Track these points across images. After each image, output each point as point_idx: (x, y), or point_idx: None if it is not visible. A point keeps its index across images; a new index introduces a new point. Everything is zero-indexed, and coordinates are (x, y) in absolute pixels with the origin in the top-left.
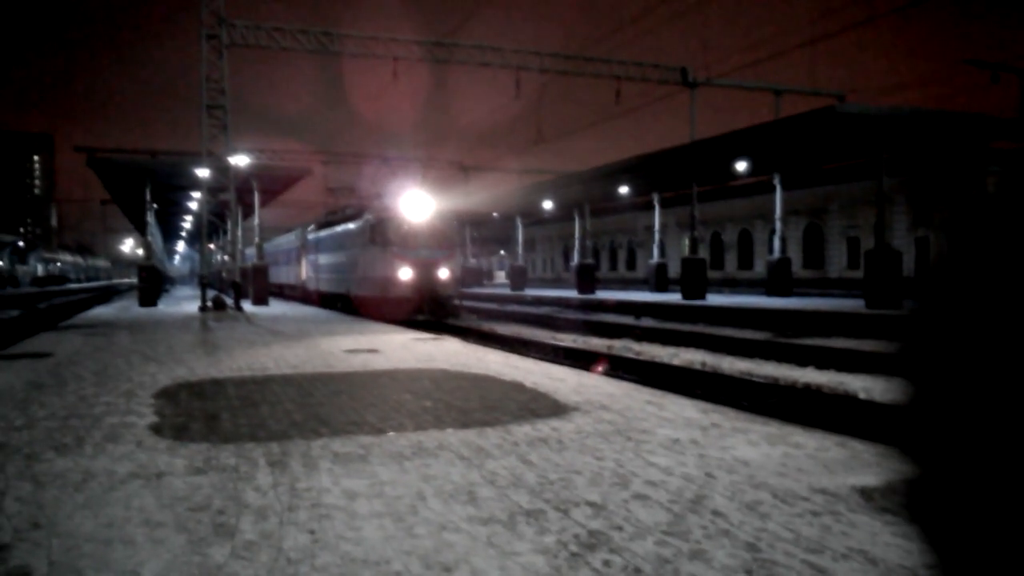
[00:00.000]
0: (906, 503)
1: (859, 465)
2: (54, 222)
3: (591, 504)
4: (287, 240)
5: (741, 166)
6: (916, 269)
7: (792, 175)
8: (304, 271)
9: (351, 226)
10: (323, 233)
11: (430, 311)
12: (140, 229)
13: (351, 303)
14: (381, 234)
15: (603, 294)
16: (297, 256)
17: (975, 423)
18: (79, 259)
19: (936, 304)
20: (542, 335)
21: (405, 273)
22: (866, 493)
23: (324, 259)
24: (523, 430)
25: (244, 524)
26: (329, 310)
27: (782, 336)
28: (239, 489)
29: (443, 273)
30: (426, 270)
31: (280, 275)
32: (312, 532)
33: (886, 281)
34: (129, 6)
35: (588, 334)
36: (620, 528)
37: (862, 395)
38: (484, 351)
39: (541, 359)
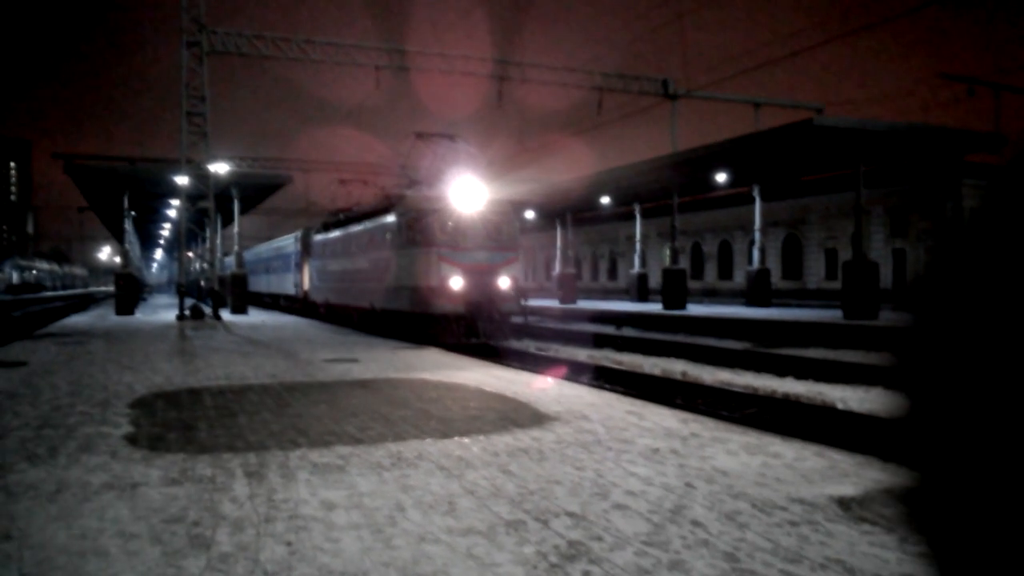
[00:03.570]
0: (911, 513)
1: (837, 475)
2: (30, 229)
3: (571, 514)
4: (283, 245)
5: (721, 177)
6: (893, 280)
7: (771, 187)
8: (306, 280)
9: (377, 223)
10: (334, 234)
11: (486, 332)
12: (117, 237)
13: (374, 318)
14: (423, 232)
15: (584, 304)
16: (297, 262)
17: (975, 429)
18: (55, 267)
19: (928, 314)
20: (524, 345)
21: (456, 282)
22: (844, 503)
23: (336, 265)
24: (504, 440)
25: (220, 536)
26: (335, 325)
27: (761, 346)
28: (215, 500)
29: (503, 282)
30: (482, 278)
31: (272, 284)
32: (289, 544)
33: (863, 292)
34: (109, 12)
35: (569, 343)
36: (600, 539)
37: (840, 405)
38: (464, 360)
39: (523, 369)
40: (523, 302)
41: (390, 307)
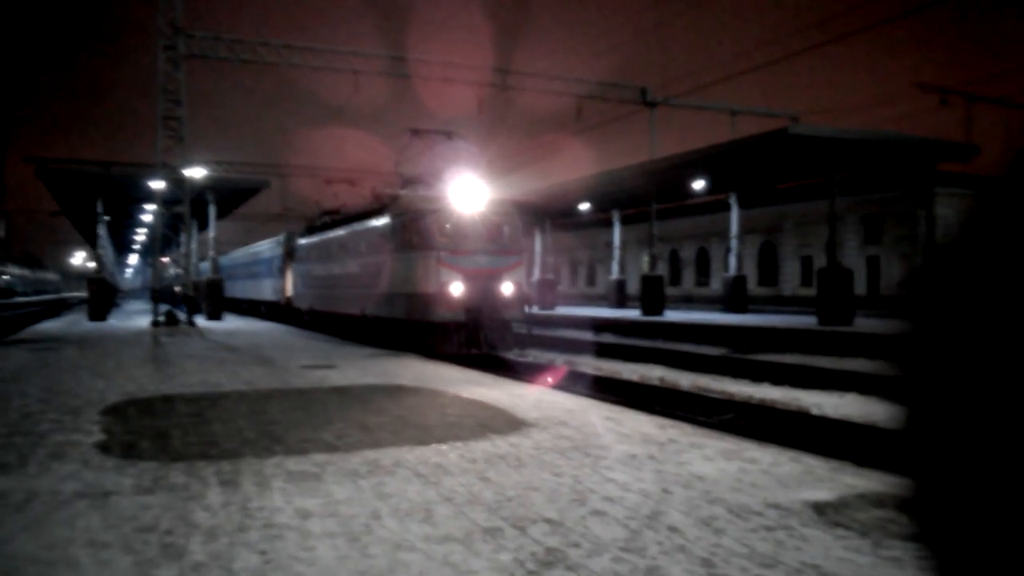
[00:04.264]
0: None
1: (812, 480)
2: (2, 233)
3: (548, 521)
4: (265, 249)
5: (698, 185)
6: (867, 287)
7: (748, 194)
8: (289, 285)
9: (369, 225)
10: (321, 237)
11: (488, 342)
12: (91, 241)
13: (365, 326)
14: (421, 234)
15: (563, 310)
16: (280, 267)
17: (953, 434)
18: (27, 272)
19: (925, 319)
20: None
21: (456, 288)
22: (819, 508)
23: (322, 270)
24: (481, 446)
25: (193, 545)
26: (318, 332)
27: (738, 352)
28: (189, 509)
29: (507, 288)
30: (485, 284)
31: (253, 290)
32: (263, 553)
33: (838, 299)
34: (84, 14)
35: (548, 350)
36: (577, 545)
37: (815, 411)
38: (443, 367)
39: (501, 375)
40: (528, 309)
41: (383, 314)
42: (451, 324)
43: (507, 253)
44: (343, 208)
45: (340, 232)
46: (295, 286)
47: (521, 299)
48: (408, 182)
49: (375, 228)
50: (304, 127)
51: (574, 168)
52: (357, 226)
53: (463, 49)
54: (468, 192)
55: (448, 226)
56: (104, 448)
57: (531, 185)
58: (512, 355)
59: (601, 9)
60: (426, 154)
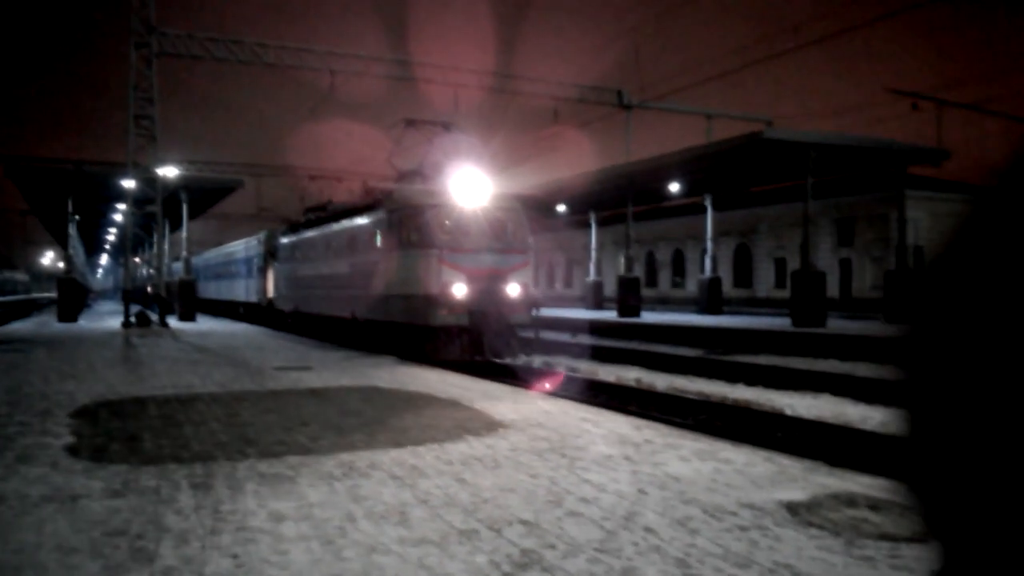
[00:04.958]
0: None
1: (785, 480)
2: None
3: (524, 523)
4: (243, 248)
5: (674, 187)
6: (840, 289)
7: (723, 197)
8: (271, 286)
9: (361, 221)
10: (306, 235)
11: (492, 348)
12: (61, 241)
13: (356, 330)
14: (420, 230)
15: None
16: (260, 267)
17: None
18: None
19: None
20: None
21: (459, 289)
22: (792, 508)
23: (308, 270)
24: (458, 448)
25: (164, 549)
26: (298, 335)
27: (713, 353)
28: (159, 512)
29: (513, 289)
30: (489, 284)
31: (230, 290)
32: (235, 556)
33: (811, 301)
34: (56, 11)
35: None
36: (553, 547)
37: (788, 411)
38: (419, 368)
39: (477, 376)
40: (536, 312)
41: (377, 317)
42: (453, 328)
43: (513, 252)
44: (330, 204)
45: (328, 229)
46: (277, 287)
47: (528, 301)
48: (403, 176)
49: (368, 224)
50: (281, 125)
51: (566, 166)
52: (348, 222)
53: (455, 51)
54: (470, 186)
55: (449, 222)
56: (73, 451)
57: (514, 184)
58: (517, 362)
59: (585, 14)
60: (423, 146)
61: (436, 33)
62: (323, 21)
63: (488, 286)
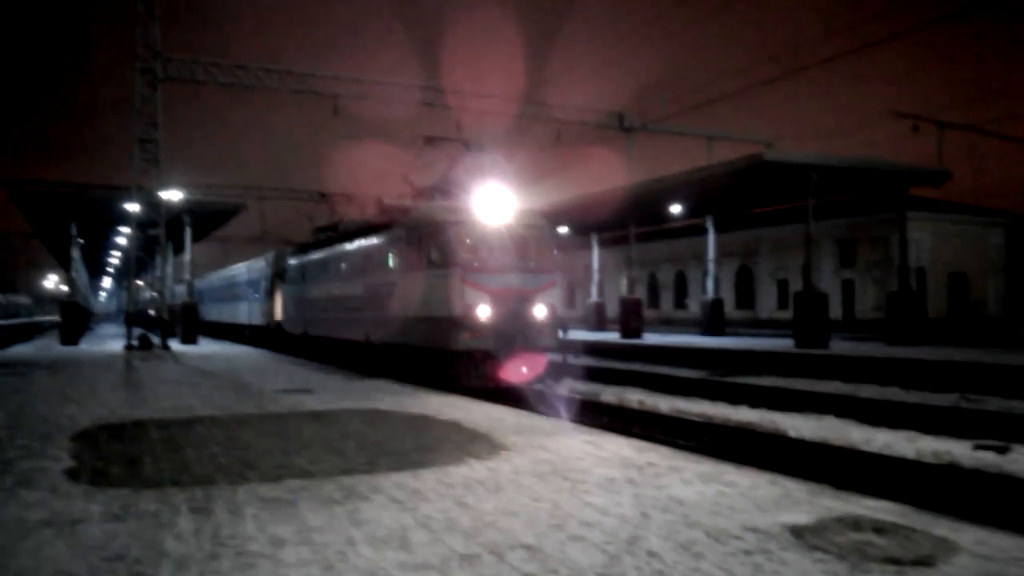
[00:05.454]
0: None
1: (790, 503)
2: None
3: (527, 547)
4: (249, 269)
5: (675, 209)
6: (843, 310)
7: (724, 218)
8: (278, 308)
9: (376, 240)
10: (316, 255)
11: (518, 373)
12: (64, 264)
13: (369, 353)
14: (441, 248)
15: None
16: (268, 289)
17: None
18: None
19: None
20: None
21: (484, 311)
22: (797, 531)
23: (318, 291)
24: (459, 471)
25: (163, 574)
26: (306, 359)
27: (716, 375)
28: (159, 537)
29: (539, 311)
30: (515, 306)
31: (235, 313)
32: None
33: (814, 322)
34: (60, 35)
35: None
36: (555, 571)
37: (792, 433)
38: (416, 389)
39: (477, 398)
40: (563, 334)
41: (394, 340)
42: (476, 353)
43: (539, 271)
44: (342, 223)
45: (341, 248)
46: (286, 309)
47: (555, 324)
48: (421, 193)
49: (385, 243)
50: (287, 145)
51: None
52: (362, 241)
53: (459, 75)
54: (493, 202)
55: (472, 240)
56: (73, 474)
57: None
58: (546, 387)
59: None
60: (443, 163)
61: (456, 58)
62: (334, 33)
63: (514, 307)
